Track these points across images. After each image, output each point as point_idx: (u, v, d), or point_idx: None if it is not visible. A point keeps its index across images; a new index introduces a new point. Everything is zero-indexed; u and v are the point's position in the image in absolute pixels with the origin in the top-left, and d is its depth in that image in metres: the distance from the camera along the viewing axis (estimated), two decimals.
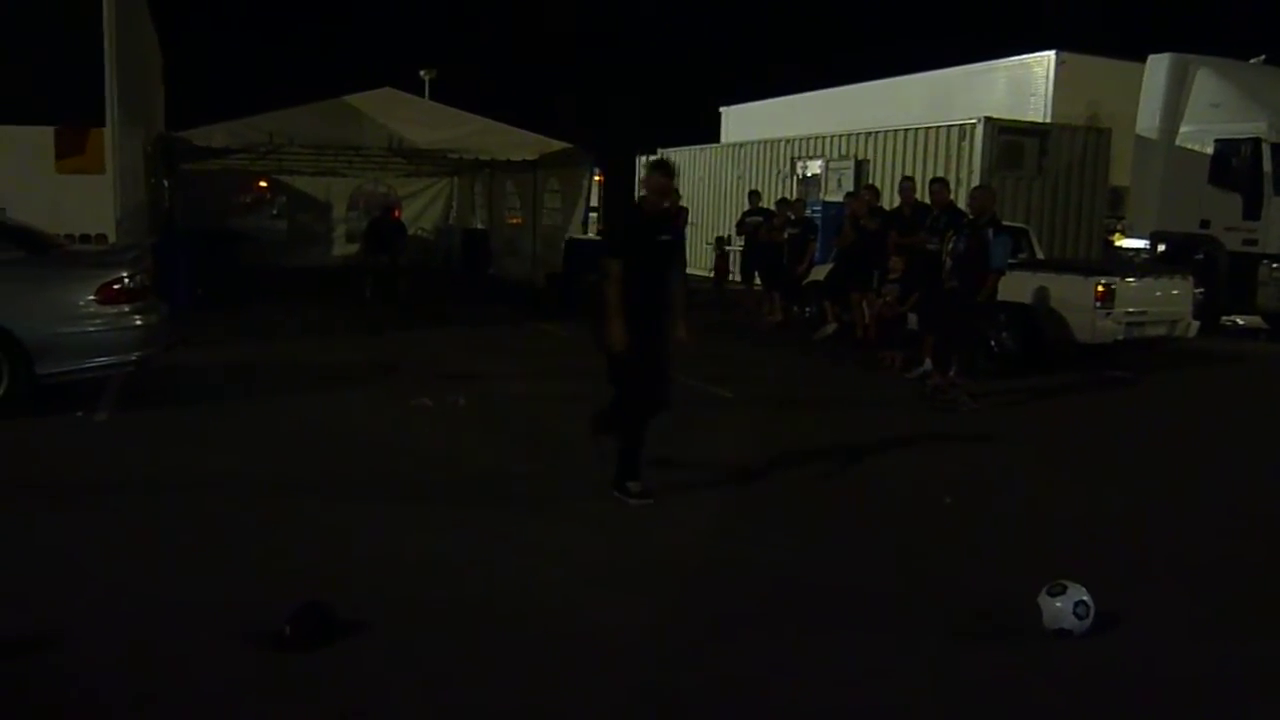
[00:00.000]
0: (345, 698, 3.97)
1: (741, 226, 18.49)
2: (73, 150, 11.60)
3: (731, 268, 21.07)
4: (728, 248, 21.47)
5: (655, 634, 4.66)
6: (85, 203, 11.37)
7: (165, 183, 18.29)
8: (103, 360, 8.66)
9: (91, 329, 8.52)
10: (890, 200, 16.56)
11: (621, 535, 5.99)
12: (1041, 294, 11.90)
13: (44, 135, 11.53)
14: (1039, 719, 4.01)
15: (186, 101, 23.57)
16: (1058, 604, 4.65)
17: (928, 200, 12.09)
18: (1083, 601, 4.63)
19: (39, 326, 8.29)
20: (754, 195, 19.07)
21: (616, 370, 6.56)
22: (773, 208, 17.88)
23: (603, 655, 4.42)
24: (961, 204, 11.52)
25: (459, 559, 5.55)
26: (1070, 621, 4.61)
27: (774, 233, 16.65)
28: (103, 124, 11.50)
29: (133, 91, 13.05)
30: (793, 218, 16.50)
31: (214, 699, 3.94)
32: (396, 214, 22.13)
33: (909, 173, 16.96)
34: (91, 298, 8.53)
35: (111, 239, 11.32)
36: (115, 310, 8.60)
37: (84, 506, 6.29)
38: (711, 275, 20.92)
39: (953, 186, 17.26)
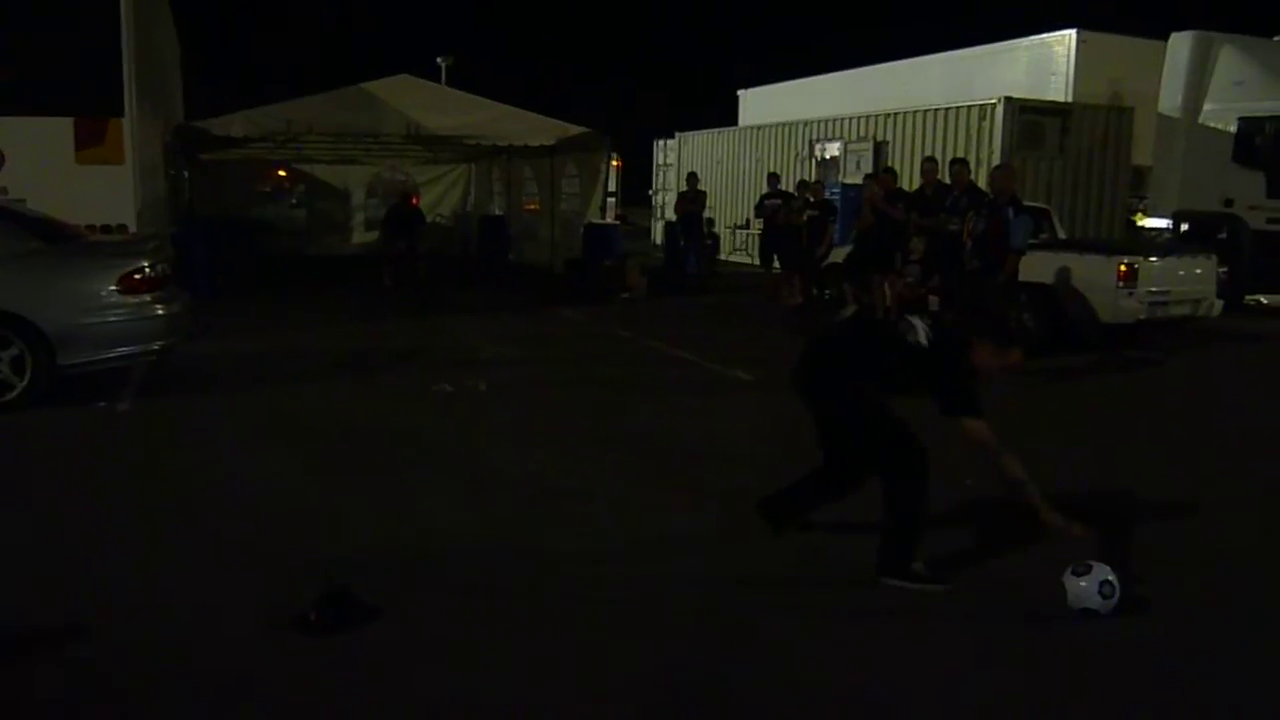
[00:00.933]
0: (370, 681, 3.98)
1: (760, 209, 18.45)
2: (92, 141, 11.65)
3: (749, 250, 21.09)
4: (738, 229, 21.51)
5: (680, 610, 4.66)
6: (105, 193, 11.41)
7: (185, 173, 18.36)
8: (124, 350, 8.69)
9: (113, 319, 8.55)
10: (909, 182, 16.50)
11: (642, 514, 5.98)
12: (1063, 274, 11.82)
13: (63, 126, 11.58)
14: (1068, 697, 3.99)
15: (205, 91, 23.68)
16: (1082, 584, 4.60)
17: (948, 180, 12.05)
18: (1108, 581, 4.59)
19: (61, 317, 8.32)
20: (773, 178, 19.01)
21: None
22: (792, 190, 17.85)
23: (630, 633, 4.42)
24: (982, 184, 11.46)
25: (480, 543, 5.56)
26: (1095, 601, 4.57)
27: (793, 215, 16.60)
28: (122, 114, 11.55)
29: (151, 82, 13.09)
30: (811, 200, 16.45)
31: (238, 684, 3.95)
32: (415, 201, 22.15)
33: (929, 154, 16.88)
34: (113, 288, 8.55)
35: (132, 229, 11.37)
36: (136, 300, 8.62)
37: (107, 496, 6.32)
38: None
39: (973, 167, 17.22)
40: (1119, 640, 4.42)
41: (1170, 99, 17.92)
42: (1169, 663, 4.28)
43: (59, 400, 8.33)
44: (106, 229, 11.11)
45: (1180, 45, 17.86)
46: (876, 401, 5.10)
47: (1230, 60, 17.29)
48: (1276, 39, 18.53)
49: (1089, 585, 4.59)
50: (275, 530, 5.72)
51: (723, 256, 23.26)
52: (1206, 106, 17.39)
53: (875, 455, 5.14)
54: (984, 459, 4.93)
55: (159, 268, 8.84)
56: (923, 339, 4.96)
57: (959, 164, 12.07)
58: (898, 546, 4.97)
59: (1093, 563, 4.66)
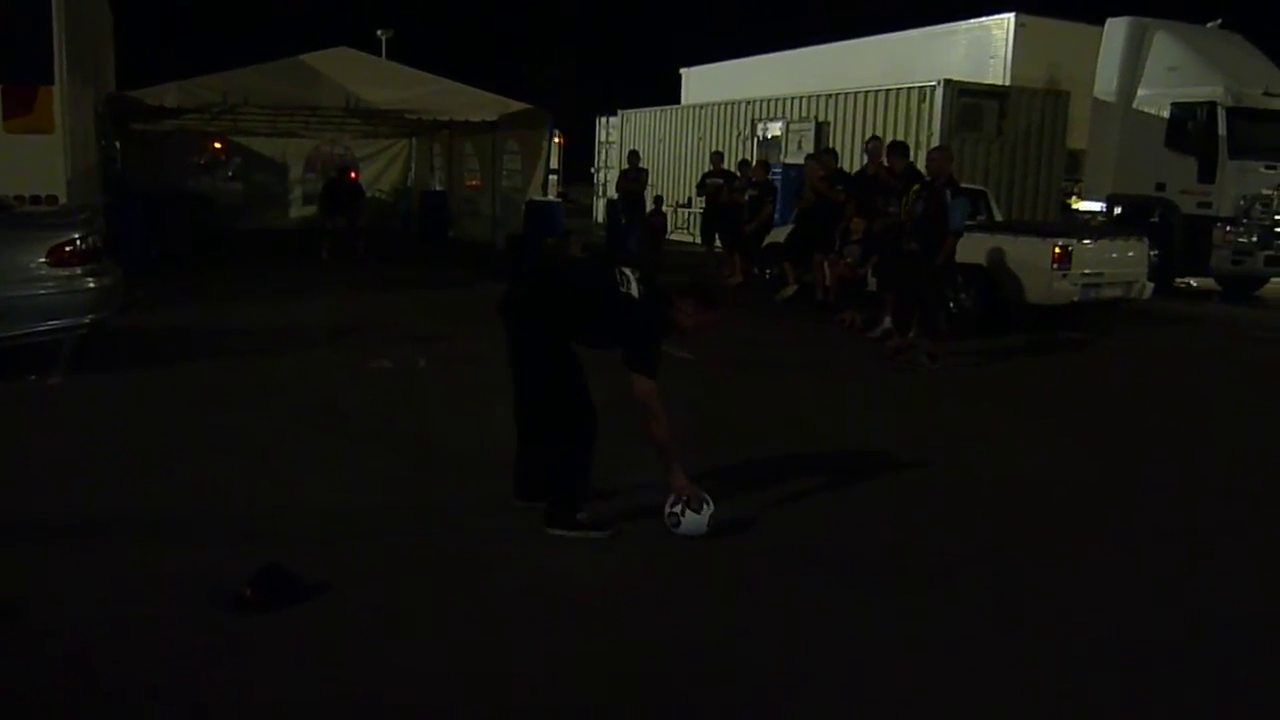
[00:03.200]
0: (309, 658, 3.96)
1: (702, 187, 18.47)
2: (21, 110, 11.36)
3: (691, 228, 21.12)
4: (665, 208, 21.52)
5: (628, 589, 4.69)
6: (34, 163, 11.15)
7: (117, 143, 17.99)
8: (55, 323, 8.51)
9: (43, 292, 8.37)
10: (850, 162, 16.62)
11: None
12: (998, 255, 11.99)
13: None
14: (1000, 675, 4.07)
15: (138, 61, 23.18)
16: (699, 516, 5.18)
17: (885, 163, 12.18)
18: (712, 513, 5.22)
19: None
20: (717, 156, 19.05)
21: None
22: (734, 170, 17.88)
23: (577, 611, 4.44)
24: (920, 166, 11.57)
25: (425, 518, 5.54)
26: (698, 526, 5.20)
27: (735, 195, 16.65)
28: (51, 82, 11.26)
29: (82, 49, 12.79)
30: (753, 180, 16.50)
31: (178, 660, 3.91)
32: (353, 175, 21.89)
33: (869, 134, 17.04)
34: (42, 260, 8.36)
35: (62, 200, 11.12)
36: (67, 272, 8.44)
37: (36, 472, 6.21)
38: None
39: (912, 148, 17.40)
40: (1055, 621, 4.51)
41: (1106, 84, 18.22)
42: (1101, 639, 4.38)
43: None
44: (36, 200, 10.87)
45: (1116, 30, 18.16)
46: (569, 355, 5.25)
47: (1164, 46, 17.61)
48: (1210, 25, 18.89)
49: (701, 517, 5.19)
50: (208, 506, 5.66)
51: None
52: (1141, 92, 17.70)
53: (553, 408, 5.31)
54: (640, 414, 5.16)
55: (90, 240, 8.67)
56: (634, 290, 5.15)
57: (900, 147, 12.20)
58: (564, 502, 5.25)
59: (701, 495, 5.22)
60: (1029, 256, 11.96)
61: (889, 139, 14.88)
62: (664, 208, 22.19)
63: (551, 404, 5.31)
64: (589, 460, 5.30)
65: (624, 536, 5.28)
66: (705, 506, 5.23)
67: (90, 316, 8.67)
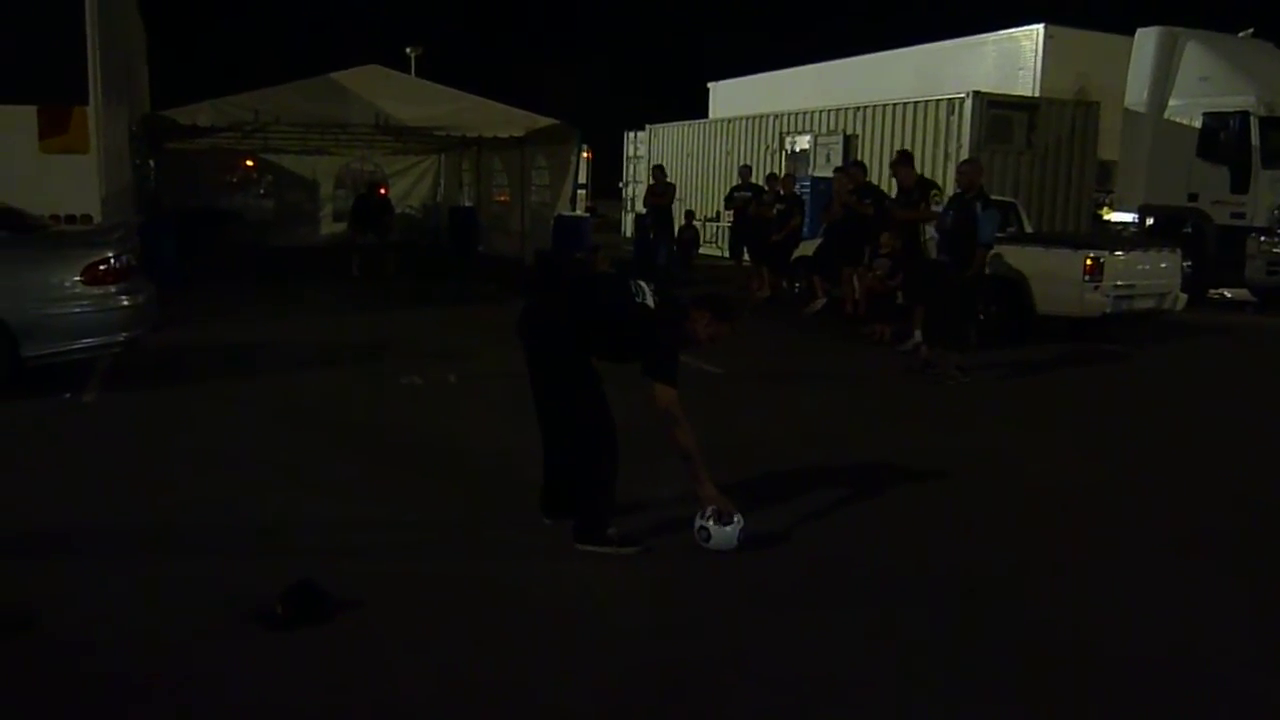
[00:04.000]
0: (339, 675, 3.97)
1: (730, 201, 18.46)
2: (56, 130, 11.48)
3: (719, 242, 21.13)
4: (696, 223, 21.52)
5: (658, 605, 4.68)
6: (70, 183, 11.26)
7: (151, 162, 18.17)
8: (89, 341, 8.61)
9: (77, 310, 8.46)
10: (879, 175, 16.58)
11: (619, 509, 5.97)
12: (1029, 267, 11.93)
13: (27, 115, 11.40)
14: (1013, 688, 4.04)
15: (172, 80, 23.46)
16: (726, 529, 5.17)
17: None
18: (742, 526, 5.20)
19: (24, 308, 8.23)
20: (745, 170, 19.03)
21: None
22: (762, 183, 17.87)
23: (603, 631, 4.43)
24: (950, 177, 11.55)
25: (452, 535, 5.55)
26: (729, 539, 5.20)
27: (763, 209, 16.63)
28: (86, 103, 11.39)
29: (117, 70, 12.93)
30: (781, 193, 16.48)
31: (210, 678, 3.93)
32: (383, 191, 22.01)
33: (898, 146, 17.01)
34: (77, 278, 8.46)
35: (97, 219, 11.23)
36: (101, 291, 8.53)
37: (72, 489, 6.26)
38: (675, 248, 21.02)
39: (941, 160, 17.34)
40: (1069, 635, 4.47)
41: (1136, 94, 18.08)
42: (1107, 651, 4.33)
43: (22, 392, 8.25)
44: (71, 219, 10.97)
45: (1146, 41, 18.02)
46: (589, 370, 5.26)
47: (1195, 56, 17.46)
48: (1241, 35, 18.74)
49: (731, 530, 5.18)
50: (242, 523, 5.69)
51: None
52: (1172, 102, 17.56)
53: (575, 424, 5.33)
54: (666, 426, 5.16)
55: (124, 258, 8.76)
56: (649, 301, 5.20)
57: (904, 163, 12.20)
58: (592, 517, 5.28)
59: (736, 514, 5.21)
60: (1061, 268, 11.89)
61: (918, 152, 14.85)
62: (694, 222, 22.16)
63: (573, 420, 5.33)
64: (614, 475, 5.30)
65: (654, 552, 5.27)
66: (735, 520, 5.22)
67: (124, 334, 8.76)
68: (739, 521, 5.22)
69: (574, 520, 5.34)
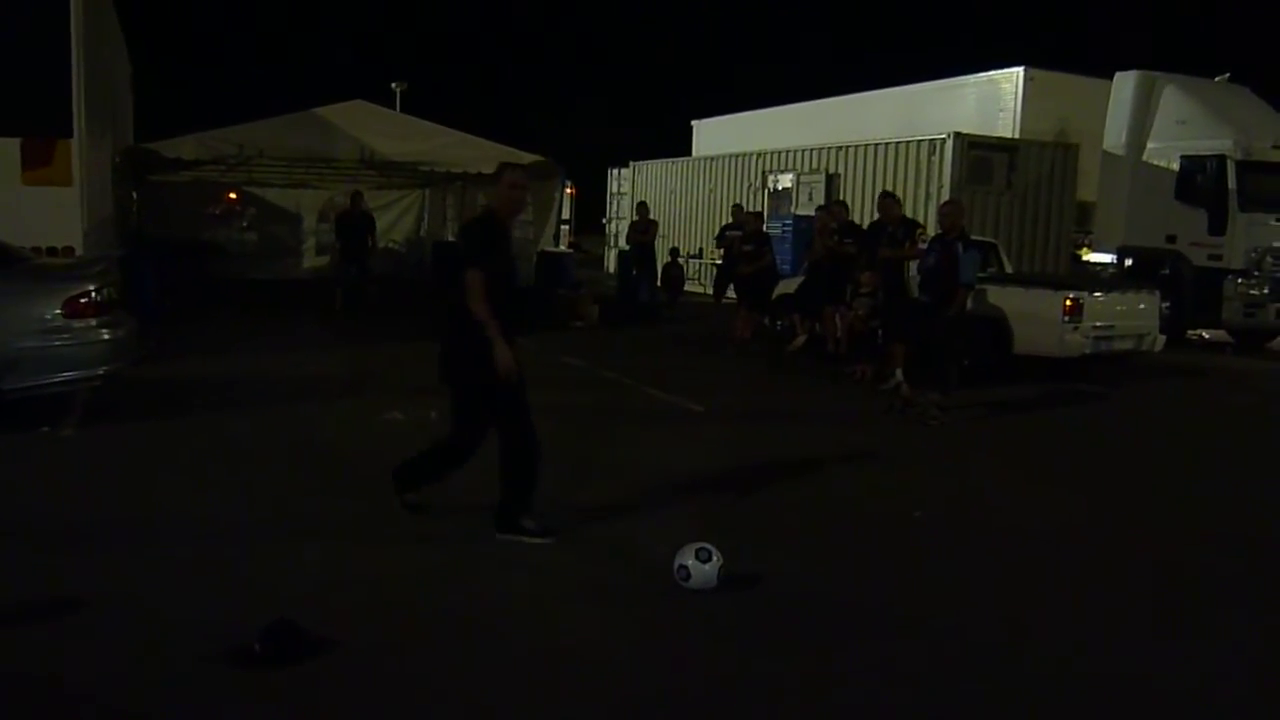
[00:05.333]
0: (318, 714, 3.94)
1: (721, 239, 18.56)
2: (39, 162, 11.46)
3: (702, 279, 21.20)
4: (680, 260, 21.60)
5: (633, 648, 4.66)
6: (52, 215, 11.22)
7: (133, 194, 18.14)
8: (69, 375, 8.54)
9: (58, 343, 8.41)
10: (861, 215, 16.67)
11: (599, 547, 5.97)
12: (1009, 308, 12.00)
13: (10, 146, 11.38)
14: None
15: (156, 113, 23.48)
16: (705, 568, 5.20)
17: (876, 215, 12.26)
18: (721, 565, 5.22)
19: (3, 340, 8.17)
20: (737, 209, 19.11)
21: (472, 402, 6.07)
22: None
23: (582, 670, 4.41)
24: (931, 218, 11.63)
25: (432, 574, 5.53)
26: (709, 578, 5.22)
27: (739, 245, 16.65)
28: (70, 135, 11.38)
29: (101, 102, 12.94)
30: (740, 223, 16.46)
31: (185, 715, 3.90)
32: (364, 206, 21.86)
33: (880, 186, 17.14)
34: (58, 311, 8.41)
35: (79, 251, 11.20)
36: (82, 324, 8.49)
37: (47, 523, 6.21)
38: (660, 285, 21.09)
39: (922, 200, 17.46)
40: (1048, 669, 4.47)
41: (1115, 136, 18.30)
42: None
43: (0, 426, 8.19)
44: (53, 251, 10.93)
45: (1125, 84, 18.26)
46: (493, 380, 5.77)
47: (1173, 100, 17.69)
48: (1218, 79, 18.99)
49: (710, 569, 5.21)
50: (220, 560, 5.65)
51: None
52: (1150, 144, 17.77)
53: (504, 426, 5.96)
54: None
55: (105, 291, 8.73)
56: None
57: (890, 198, 12.30)
58: (509, 508, 5.93)
59: (709, 548, 5.27)
60: (1040, 309, 11.97)
61: (899, 191, 14.92)
62: (679, 259, 22.16)
63: (505, 427, 5.94)
64: (531, 472, 5.92)
65: (635, 593, 5.25)
66: (713, 559, 5.23)
67: (104, 368, 8.71)
68: (717, 559, 5.24)
69: (496, 514, 5.94)
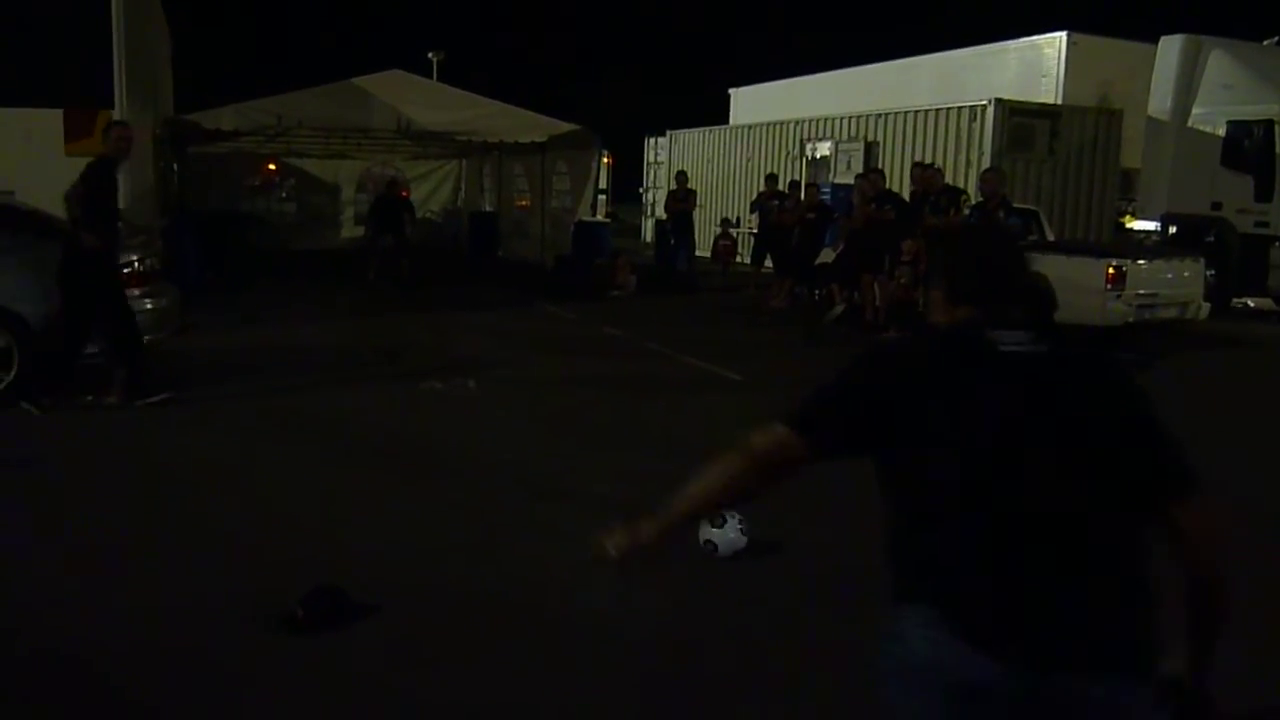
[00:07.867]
0: (357, 678, 3.99)
1: (756, 206, 18.48)
2: (82, 133, 11.57)
3: (740, 250, 21.10)
4: (734, 230, 21.49)
5: (667, 623, 4.67)
6: None
7: (174, 166, 18.28)
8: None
9: None
10: (898, 183, 16.53)
11: (636, 516, 5.97)
12: (1051, 276, 11.87)
13: (53, 118, 11.52)
14: None
15: (195, 84, 23.61)
16: (729, 534, 5.14)
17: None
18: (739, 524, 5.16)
19: (49, 311, 8.28)
20: (771, 179, 19.00)
21: None
22: (786, 190, 17.86)
23: (617, 643, 4.43)
24: (972, 185, 11.53)
25: (470, 544, 5.57)
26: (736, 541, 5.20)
27: (785, 215, 16.60)
28: (111, 106, 11.48)
29: (141, 74, 13.03)
30: (802, 201, 16.45)
31: (229, 680, 3.96)
32: (405, 194, 22.02)
33: (919, 154, 16.98)
34: None
35: (120, 223, 11.30)
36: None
37: (95, 492, 6.31)
38: (710, 256, 20.97)
39: (963, 168, 17.26)
40: None
41: (1159, 102, 17.97)
42: None
43: (43, 393, 8.29)
44: None
45: (1170, 48, 17.91)
46: None
47: (1219, 64, 17.35)
48: (1266, 43, 18.62)
49: (730, 531, 5.17)
50: (264, 527, 5.72)
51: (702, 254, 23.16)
52: (1195, 110, 17.45)
53: None
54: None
55: (147, 262, 8.82)
56: None
57: (926, 169, 12.21)
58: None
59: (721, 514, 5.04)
60: (1082, 277, 11.82)
61: (939, 160, 14.77)
62: (730, 229, 21.89)
63: None
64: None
65: (667, 566, 5.18)
66: (728, 520, 5.17)
67: (147, 338, 8.80)
68: (733, 520, 5.18)
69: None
